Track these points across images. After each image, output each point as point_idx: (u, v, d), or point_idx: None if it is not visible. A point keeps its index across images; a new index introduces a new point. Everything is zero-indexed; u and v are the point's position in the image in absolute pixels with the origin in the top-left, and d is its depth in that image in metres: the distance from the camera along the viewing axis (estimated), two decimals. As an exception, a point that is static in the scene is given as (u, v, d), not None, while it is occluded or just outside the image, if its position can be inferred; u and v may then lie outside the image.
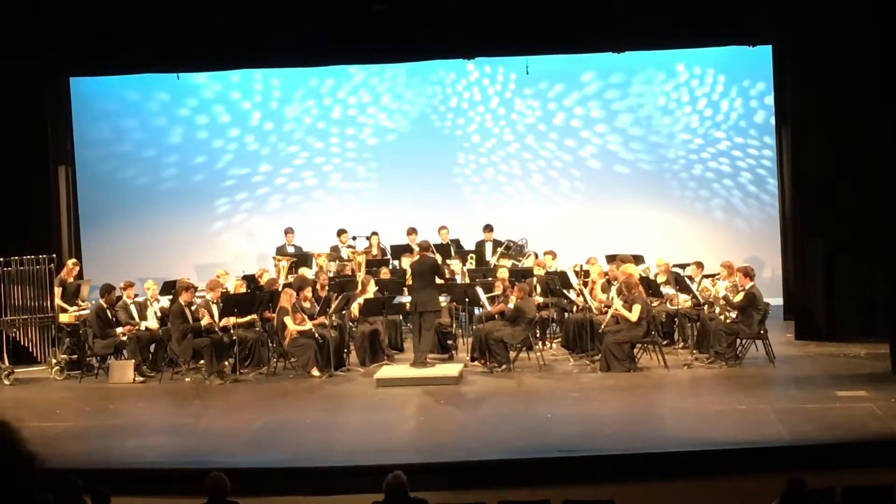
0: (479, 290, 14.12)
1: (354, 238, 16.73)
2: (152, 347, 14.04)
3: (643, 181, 17.48)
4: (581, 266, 14.91)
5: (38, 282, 14.07)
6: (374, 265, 15.55)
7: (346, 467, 9.63)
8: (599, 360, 13.13)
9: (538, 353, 13.60)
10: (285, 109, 17.87)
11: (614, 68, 17.36)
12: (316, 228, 17.26)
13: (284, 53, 14.85)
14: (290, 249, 16.46)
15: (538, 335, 14.02)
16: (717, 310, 13.34)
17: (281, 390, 12.85)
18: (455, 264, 15.77)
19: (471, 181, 17.86)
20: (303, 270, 15.29)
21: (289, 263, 15.46)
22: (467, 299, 14.31)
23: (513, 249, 16.35)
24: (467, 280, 15.28)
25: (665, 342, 13.82)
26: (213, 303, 13.79)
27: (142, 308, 14.21)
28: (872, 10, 13.09)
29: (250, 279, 15.05)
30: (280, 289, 14.13)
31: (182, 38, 14.38)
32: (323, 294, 14.15)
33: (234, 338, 13.40)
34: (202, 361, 13.48)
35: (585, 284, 14.25)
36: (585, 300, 13.88)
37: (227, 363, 13.49)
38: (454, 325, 14.68)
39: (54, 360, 14.00)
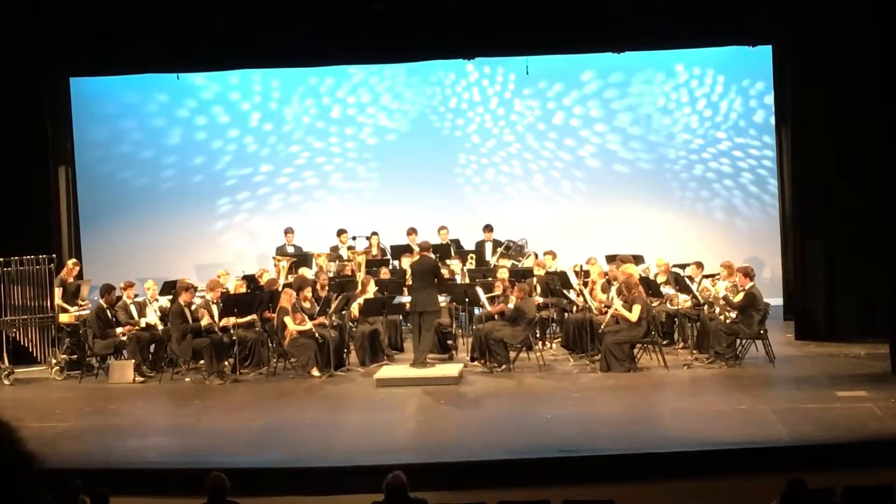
0: (479, 291, 14.12)
1: (354, 238, 16.74)
2: (152, 348, 14.04)
3: (643, 181, 17.49)
4: (581, 266, 14.91)
5: (38, 282, 14.07)
6: (374, 265, 15.55)
7: (346, 467, 9.63)
8: (599, 361, 13.13)
9: (538, 354, 13.59)
10: (285, 110, 17.88)
11: (614, 68, 17.37)
12: (317, 228, 17.27)
13: (284, 53, 14.85)
14: (290, 249, 16.47)
15: (538, 335, 14.02)
16: (717, 310, 13.33)
17: (281, 390, 12.85)
18: (455, 264, 15.77)
19: (472, 181, 17.87)
20: (303, 270, 15.29)
21: (289, 263, 15.46)
22: (467, 299, 14.30)
23: (513, 249, 16.35)
24: (467, 280, 15.28)
25: (665, 342, 13.82)
26: (213, 303, 13.79)
27: (141, 308, 14.21)
28: (872, 10, 13.08)
29: (250, 279, 15.05)
30: (280, 289, 14.12)
31: (182, 38, 14.39)
32: (323, 294, 14.15)
33: (234, 338, 13.39)
34: (202, 361, 13.48)
35: (585, 284, 14.24)
36: (585, 300, 13.88)
37: (226, 363, 13.49)
38: (454, 326, 14.68)
39: (54, 361, 14.00)
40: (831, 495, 7.32)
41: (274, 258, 15.92)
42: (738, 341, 13.04)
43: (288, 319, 13.36)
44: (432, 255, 14.00)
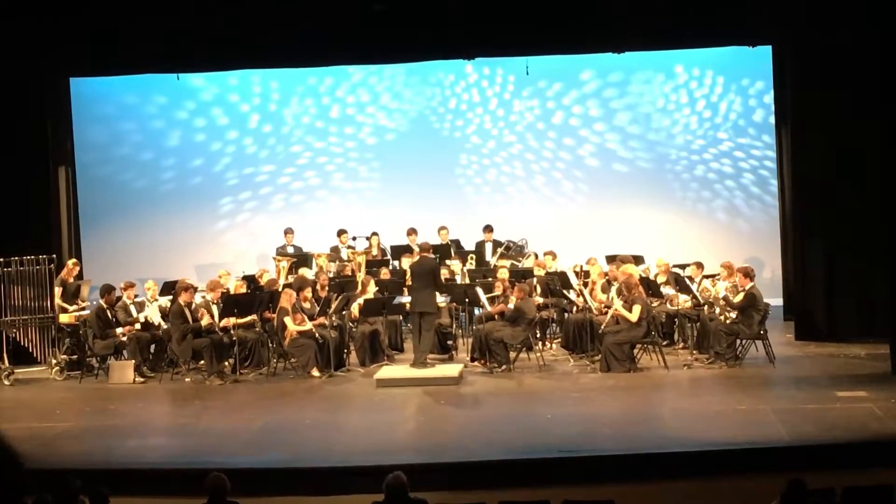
0: (479, 291, 14.12)
1: (354, 238, 16.75)
2: (152, 348, 14.04)
3: (643, 181, 17.48)
4: (581, 266, 14.91)
5: (39, 282, 14.06)
6: (374, 265, 15.55)
7: (346, 468, 9.63)
8: (599, 361, 13.13)
9: (538, 354, 13.59)
10: (284, 111, 17.88)
11: (613, 67, 17.37)
12: (318, 228, 17.27)
13: (284, 53, 14.84)
14: (290, 250, 16.47)
15: (538, 335, 14.02)
16: (717, 310, 13.33)
17: (281, 391, 12.85)
18: (455, 265, 15.77)
19: (473, 182, 17.87)
20: (303, 271, 15.29)
21: (289, 264, 15.46)
22: (467, 300, 14.30)
23: (513, 250, 16.35)
24: (467, 280, 15.28)
25: (665, 342, 13.82)
26: (213, 303, 13.79)
27: (141, 308, 14.21)
28: (872, 10, 13.08)
29: (250, 279, 15.06)
30: (280, 289, 14.12)
31: (182, 38, 14.39)
32: (323, 294, 14.15)
33: (234, 338, 13.39)
34: (202, 362, 13.48)
35: (585, 285, 14.24)
36: (585, 301, 13.87)
37: (227, 363, 13.49)
38: (454, 326, 14.67)
39: (54, 361, 14.00)
40: (831, 495, 7.31)
41: (274, 258, 15.92)
42: (739, 341, 13.04)
43: (288, 320, 13.36)
44: (432, 256, 14.00)
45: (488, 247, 16.60)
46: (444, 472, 9.37)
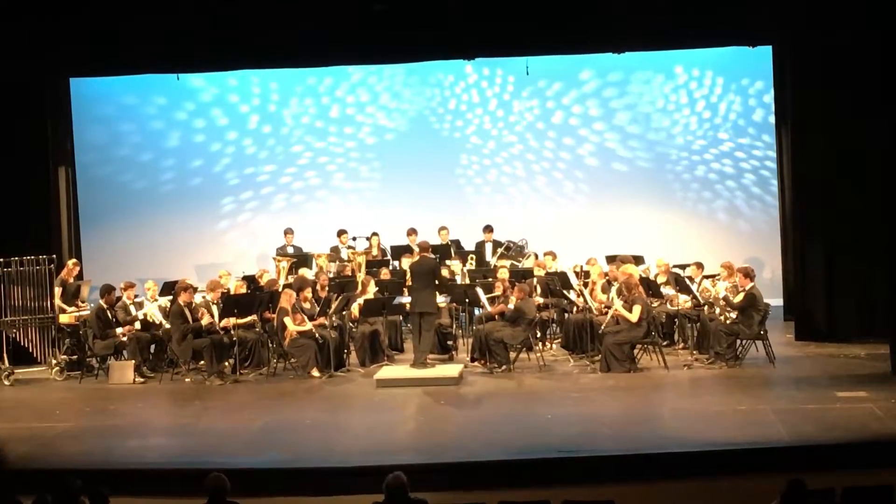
0: (480, 291, 14.12)
1: (354, 238, 16.75)
2: (152, 348, 14.03)
3: (643, 181, 17.49)
4: (581, 267, 14.91)
5: (39, 282, 14.06)
6: (374, 266, 15.55)
7: (346, 468, 9.63)
8: (599, 361, 13.13)
9: (538, 354, 13.59)
10: (284, 111, 17.88)
11: (612, 67, 17.37)
12: (319, 228, 17.28)
13: (284, 53, 14.83)
14: (290, 250, 16.47)
15: (538, 336, 14.02)
16: (717, 310, 13.33)
17: (281, 391, 12.85)
18: (455, 265, 15.76)
19: (473, 182, 17.88)
20: (303, 271, 15.29)
21: (289, 264, 15.46)
22: (467, 300, 14.30)
23: (512, 250, 16.35)
24: (467, 281, 15.28)
25: (665, 343, 13.81)
26: (213, 303, 13.79)
27: (141, 308, 14.20)
28: (872, 10, 13.08)
29: (250, 280, 15.06)
30: (280, 289, 14.12)
31: (182, 38, 14.38)
32: (323, 295, 14.15)
33: (235, 338, 13.39)
34: (202, 362, 13.49)
35: (585, 285, 14.24)
36: (585, 301, 13.87)
37: (227, 364, 13.49)
38: (454, 326, 14.67)
39: (54, 361, 14.00)
40: (831, 496, 7.31)
41: (274, 259, 15.93)
42: (739, 342, 13.03)
43: (288, 320, 13.36)
44: (432, 256, 14.00)
45: (488, 247, 16.60)
46: (444, 472, 9.37)
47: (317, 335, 13.36)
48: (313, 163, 17.94)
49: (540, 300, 14.20)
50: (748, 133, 17.33)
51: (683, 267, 14.56)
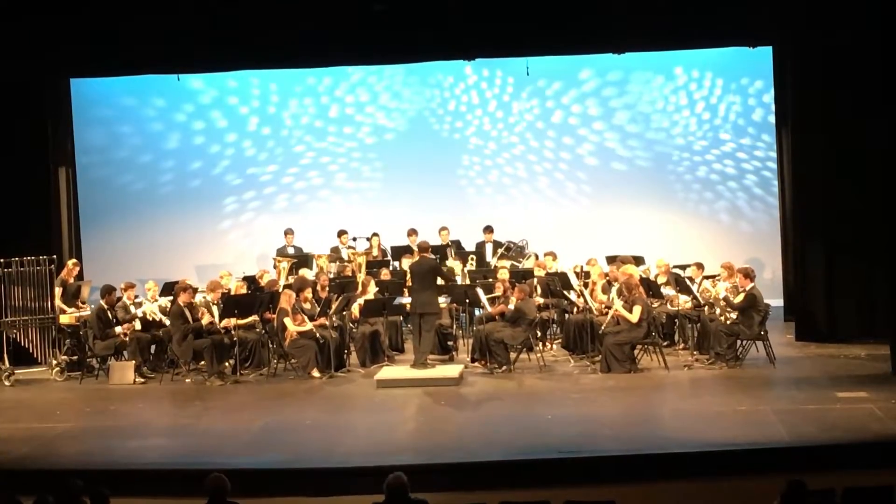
0: (480, 291, 14.12)
1: (355, 239, 16.75)
2: (153, 348, 14.04)
3: (644, 182, 17.49)
4: (581, 267, 14.91)
5: (39, 283, 14.06)
6: (374, 266, 15.55)
7: (347, 468, 9.63)
8: (600, 361, 13.13)
9: (538, 354, 13.59)
10: (283, 113, 17.89)
11: (612, 67, 17.37)
12: (320, 228, 17.28)
13: (284, 54, 14.83)
14: (291, 250, 16.47)
15: (538, 336, 14.01)
16: (718, 311, 13.33)
17: (281, 391, 12.85)
18: (455, 265, 15.76)
19: (475, 183, 17.88)
20: (303, 271, 15.29)
21: (289, 264, 15.47)
22: (468, 300, 14.30)
23: (513, 250, 16.35)
24: (468, 281, 15.28)
25: (665, 343, 13.81)
26: (213, 304, 13.79)
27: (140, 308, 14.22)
28: (872, 10, 13.09)
29: (251, 280, 15.06)
30: (280, 290, 14.12)
31: (182, 39, 14.39)
32: (323, 295, 14.15)
33: (235, 339, 13.39)
34: (203, 362, 13.49)
35: (586, 285, 14.24)
36: (586, 301, 13.87)
37: (227, 364, 13.49)
38: (454, 327, 14.67)
39: (55, 361, 14.00)
40: (831, 496, 7.31)
41: (274, 259, 15.93)
42: (739, 342, 13.03)
43: (288, 320, 13.36)
44: (432, 256, 14.00)
45: (489, 247, 16.61)
46: (445, 472, 9.37)
47: (317, 336, 13.36)
48: (315, 163, 17.95)
49: (540, 300, 14.20)
50: (748, 133, 17.33)
51: (684, 267, 14.56)
